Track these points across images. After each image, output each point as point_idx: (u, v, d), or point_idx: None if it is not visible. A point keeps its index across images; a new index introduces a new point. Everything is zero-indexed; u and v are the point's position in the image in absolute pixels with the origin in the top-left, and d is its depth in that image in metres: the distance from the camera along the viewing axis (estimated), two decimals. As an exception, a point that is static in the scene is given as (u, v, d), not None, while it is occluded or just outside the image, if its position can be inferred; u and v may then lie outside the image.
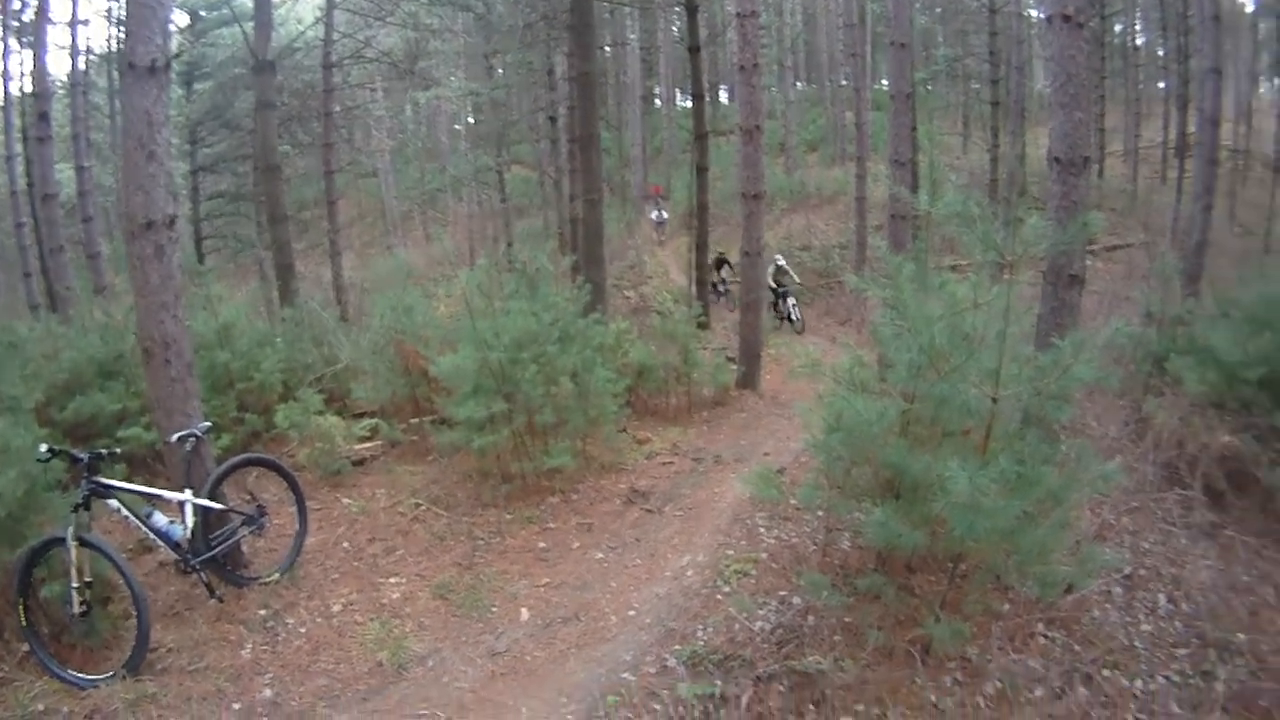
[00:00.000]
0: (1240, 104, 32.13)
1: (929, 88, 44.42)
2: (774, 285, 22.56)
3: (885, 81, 35.41)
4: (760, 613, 5.97)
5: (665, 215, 33.76)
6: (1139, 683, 5.06)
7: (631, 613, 6.49)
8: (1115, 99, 37.86)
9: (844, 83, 42.30)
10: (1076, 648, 5.31)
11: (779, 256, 23.92)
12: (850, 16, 33.44)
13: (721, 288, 24.80)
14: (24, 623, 5.52)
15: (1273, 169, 26.49)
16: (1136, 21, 43.26)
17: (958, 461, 4.31)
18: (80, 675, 5.46)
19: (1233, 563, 6.25)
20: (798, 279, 23.65)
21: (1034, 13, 34.45)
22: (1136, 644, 5.42)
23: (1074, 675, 5.10)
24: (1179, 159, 28.45)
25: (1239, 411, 7.74)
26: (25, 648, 5.61)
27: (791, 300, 22.68)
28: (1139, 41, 43.61)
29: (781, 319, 22.70)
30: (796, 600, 6.03)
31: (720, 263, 24.54)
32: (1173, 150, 30.98)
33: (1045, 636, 5.44)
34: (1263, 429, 7.35)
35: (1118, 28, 40.58)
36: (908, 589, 5.56)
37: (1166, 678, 5.12)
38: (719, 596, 6.41)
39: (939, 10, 46.34)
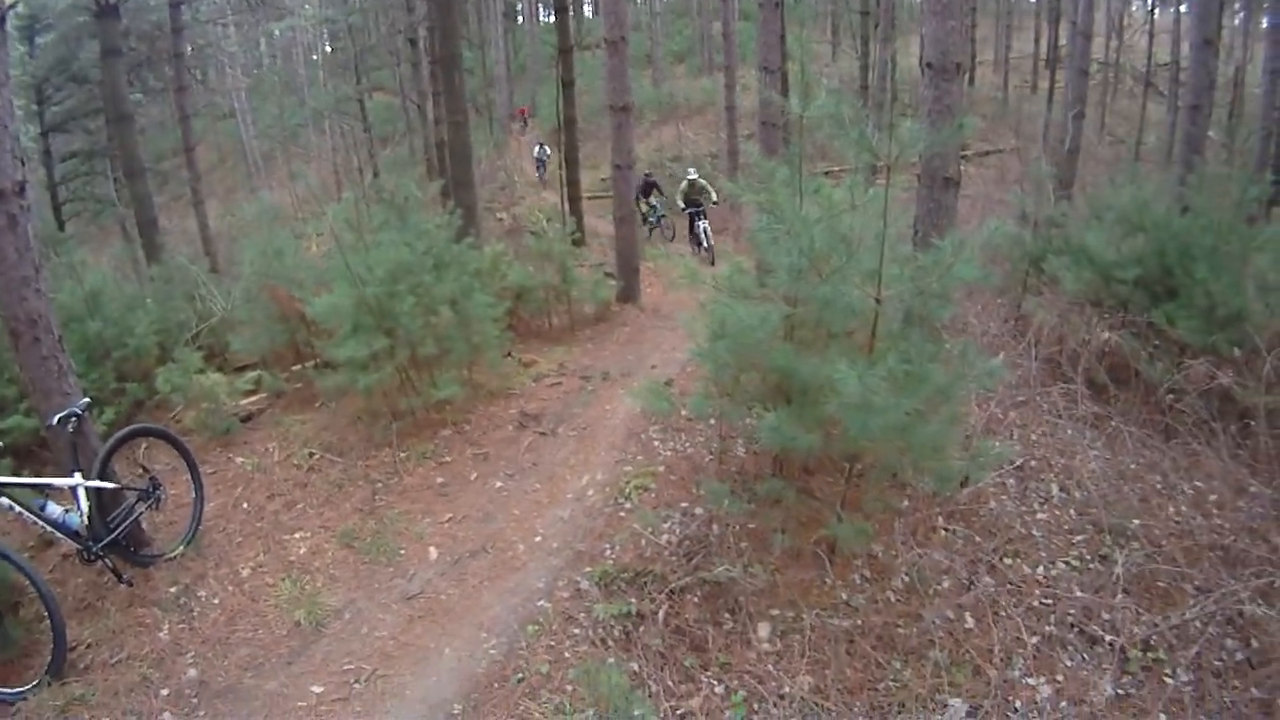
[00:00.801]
0: (1112, 20, 32.72)
1: None
2: (684, 204, 20.38)
3: (753, -11, 35.38)
4: (665, 526, 6.09)
5: (549, 153, 31.30)
6: (1040, 569, 5.32)
7: (538, 539, 6.56)
8: (986, 11, 38.88)
9: (709, -8, 42.15)
10: (977, 539, 5.53)
11: (692, 170, 21.57)
12: None
13: (653, 217, 22.89)
14: None
15: (1143, 83, 27.13)
16: None
17: (846, 362, 4.40)
18: (4, 690, 5.25)
19: (1120, 452, 6.59)
20: (715, 197, 19.91)
21: None
22: (1035, 533, 5.67)
23: (978, 565, 5.30)
24: (1050, 70, 29.54)
25: (1116, 309, 8.16)
26: None
27: (704, 223, 19.81)
28: None
29: (698, 247, 19.85)
30: (699, 510, 6.15)
31: (649, 187, 22.92)
32: (1044, 62, 32.05)
33: (946, 530, 5.66)
34: (1140, 326, 7.73)
35: None
36: (808, 491, 5.71)
37: (1067, 563, 5.40)
38: (622, 514, 6.52)
39: None
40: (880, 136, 4.50)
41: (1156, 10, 36.15)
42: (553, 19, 26.46)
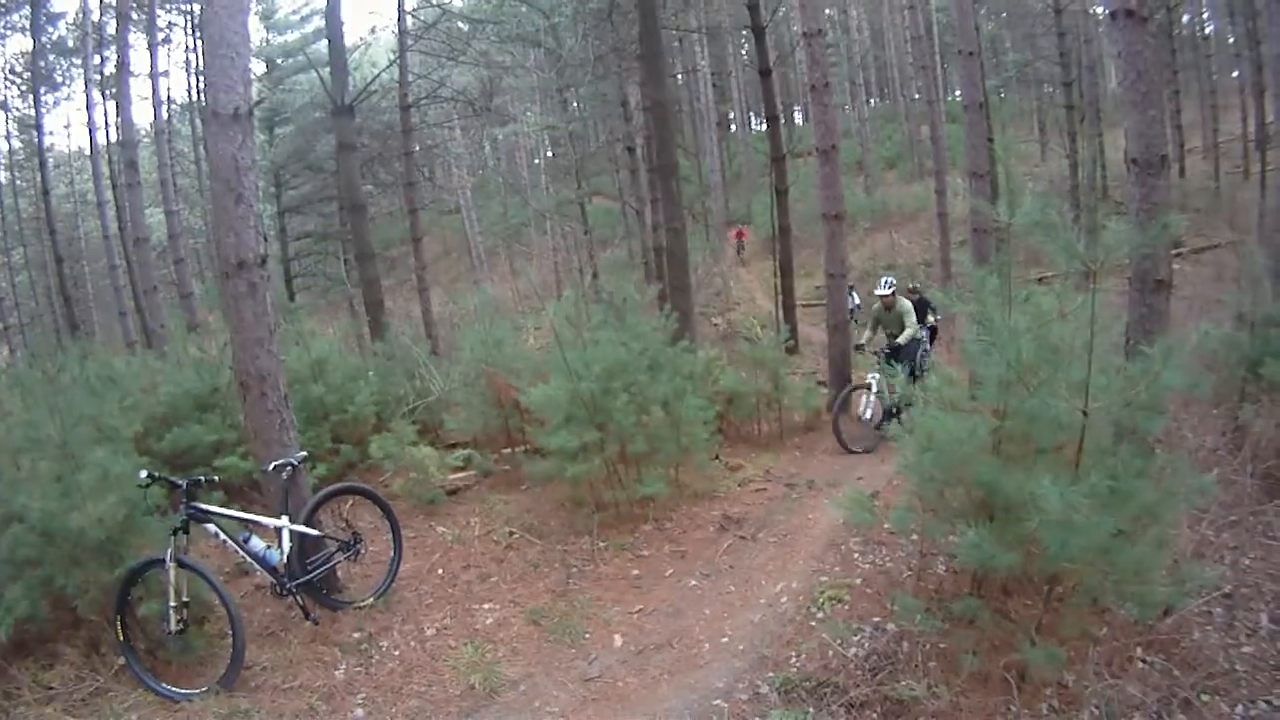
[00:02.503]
0: None
1: (1001, 95, 43.98)
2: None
3: (958, 92, 35.05)
4: (854, 639, 5.90)
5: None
6: (1240, 708, 4.92)
7: (725, 639, 6.44)
8: (1190, 93, 36.80)
9: (916, 96, 42.09)
10: (1176, 672, 5.16)
11: (887, 279, 14.04)
12: (917, 28, 33.17)
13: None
14: (121, 638, 5.79)
15: None
16: (1203, 9, 41.78)
17: (1049, 478, 4.23)
18: (174, 689, 5.70)
19: None
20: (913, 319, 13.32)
21: (1099, 9, 32.87)
22: (1238, 667, 5.25)
23: (1172, 701, 4.98)
24: (1260, 151, 27.51)
25: None
26: (121, 661, 5.88)
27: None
28: (1208, 30, 41.99)
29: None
30: (891, 626, 5.96)
31: (923, 306, 15.00)
32: (1253, 143, 29.72)
33: (1143, 661, 5.30)
34: None
35: (1185, 18, 39.27)
36: (1003, 613, 5.47)
37: (1268, 702, 4.97)
38: (813, 623, 6.35)
39: (1004, 15, 45.60)
40: (1087, 241, 4.39)
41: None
42: (765, 127, 26.67)
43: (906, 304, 12.89)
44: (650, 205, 23.60)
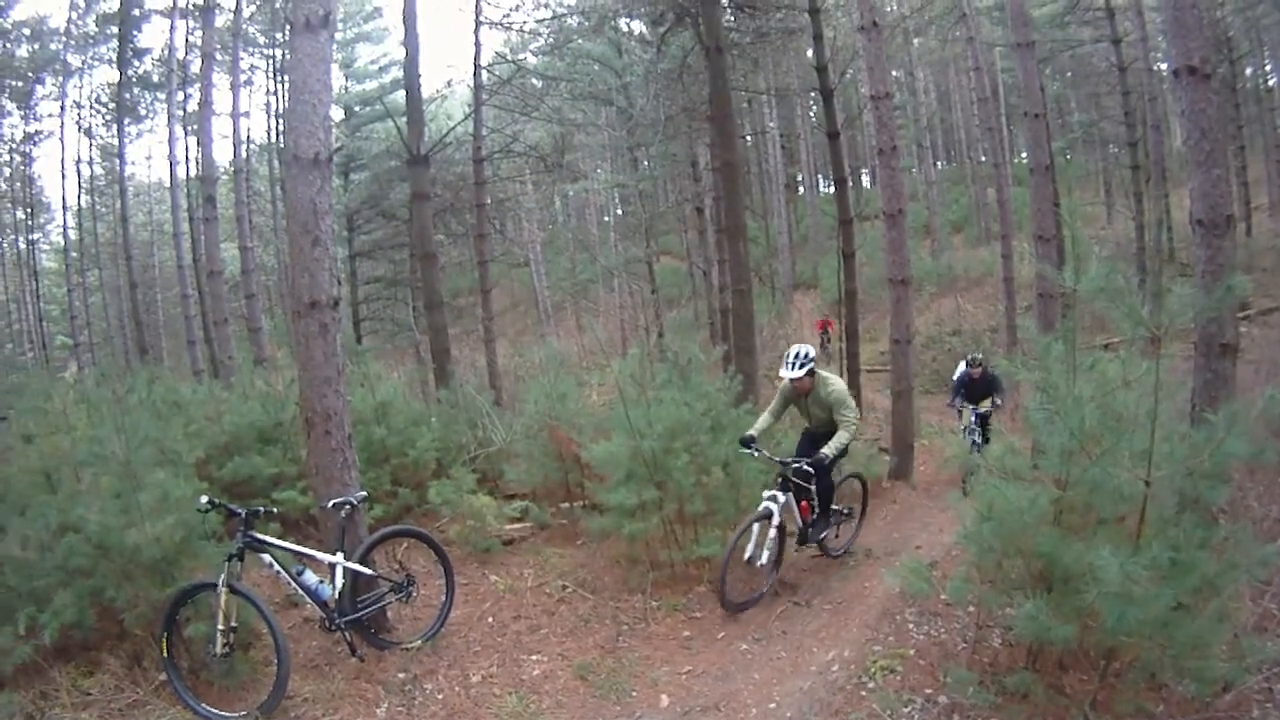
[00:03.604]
0: None
1: (1068, 156, 43.44)
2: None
3: (1024, 154, 34.79)
4: (905, 710, 5.81)
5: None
6: (1296, 792, 4.80)
7: (773, 705, 6.36)
8: (1255, 149, 36.02)
9: (983, 159, 41.84)
10: (1234, 750, 5.05)
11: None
12: (983, 90, 32.77)
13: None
14: (165, 654, 5.88)
15: None
16: (1266, 62, 40.63)
17: (1109, 549, 4.17)
18: (214, 710, 5.79)
19: None
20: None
21: (1163, 66, 32.70)
22: (1293, 745, 5.13)
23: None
24: None
25: None
26: (163, 677, 5.98)
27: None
28: (1271, 82, 40.60)
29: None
30: (943, 699, 5.86)
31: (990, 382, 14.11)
32: None
33: (1200, 739, 5.19)
34: None
35: (1248, 70, 38.56)
36: (1058, 688, 5.36)
37: (1323, 783, 4.84)
38: (863, 693, 6.24)
39: (1069, 75, 45.19)
40: (1152, 305, 4.34)
41: None
42: (832, 190, 26.68)
43: (837, 388, 8.87)
44: (717, 266, 23.75)
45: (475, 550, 9.05)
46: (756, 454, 8.59)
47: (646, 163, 34.51)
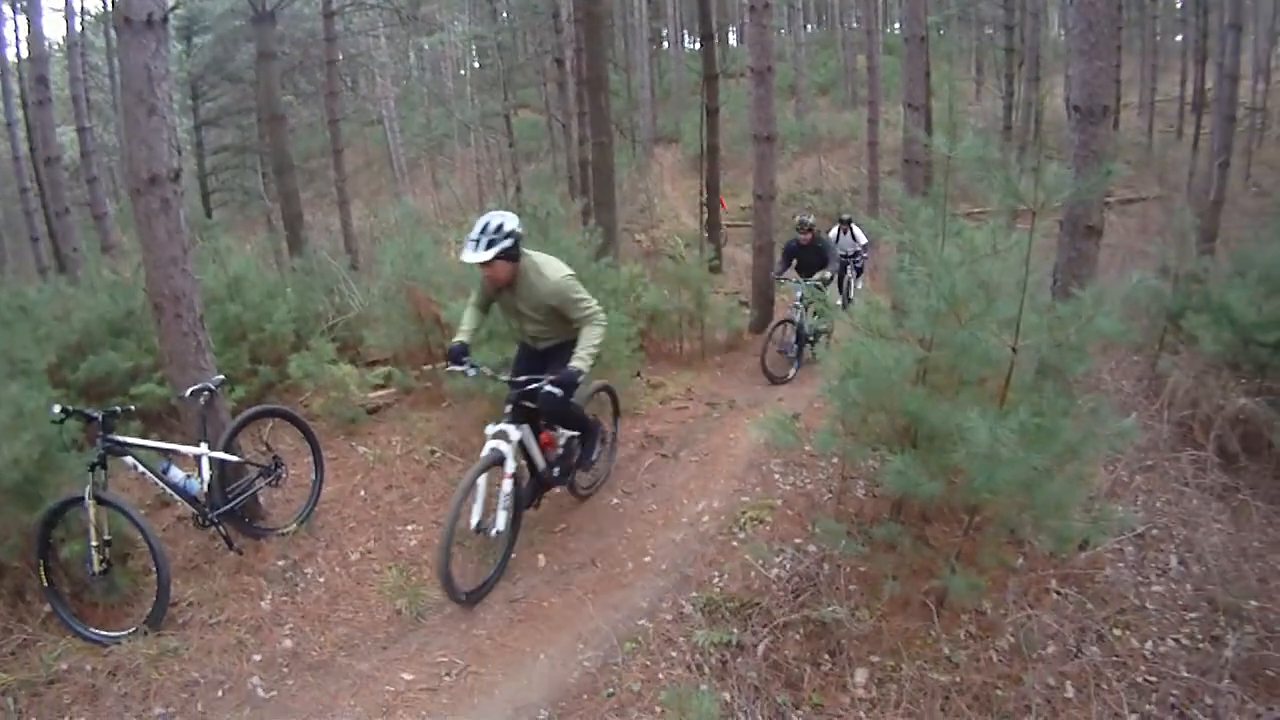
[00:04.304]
0: (1259, 61, 31.37)
1: (941, 32, 43.97)
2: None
3: (897, 25, 34.99)
4: (776, 560, 6.00)
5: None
6: (1149, 644, 5.08)
7: (648, 559, 6.53)
8: (1131, 50, 37.08)
9: (855, 25, 41.99)
10: (1089, 606, 5.32)
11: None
12: None
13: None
14: (45, 583, 5.59)
15: None
16: None
17: (977, 412, 4.29)
18: (102, 633, 5.54)
19: (1245, 528, 6.24)
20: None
21: None
22: (1148, 605, 5.44)
23: (1086, 634, 5.12)
24: (1196, 115, 28.29)
25: (1254, 373, 7.72)
26: (47, 608, 5.68)
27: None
28: None
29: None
30: (812, 548, 6.06)
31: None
32: (1189, 106, 30.69)
33: (1058, 593, 5.46)
34: (1277, 393, 7.33)
35: None
36: (923, 540, 5.57)
37: (1176, 640, 5.14)
38: (734, 543, 6.45)
39: None
40: (1027, 180, 4.39)
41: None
42: (698, 46, 26.39)
43: (556, 278, 6.65)
44: (577, 119, 23.28)
45: (341, 422, 8.88)
46: (472, 371, 6.70)
47: (506, 13, 33.67)
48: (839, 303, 13.82)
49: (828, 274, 12.65)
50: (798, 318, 11.60)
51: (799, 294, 12.28)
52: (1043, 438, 4.39)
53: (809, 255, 12.97)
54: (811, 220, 13.12)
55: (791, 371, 11.69)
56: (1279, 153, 27.37)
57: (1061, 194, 4.31)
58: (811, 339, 12.17)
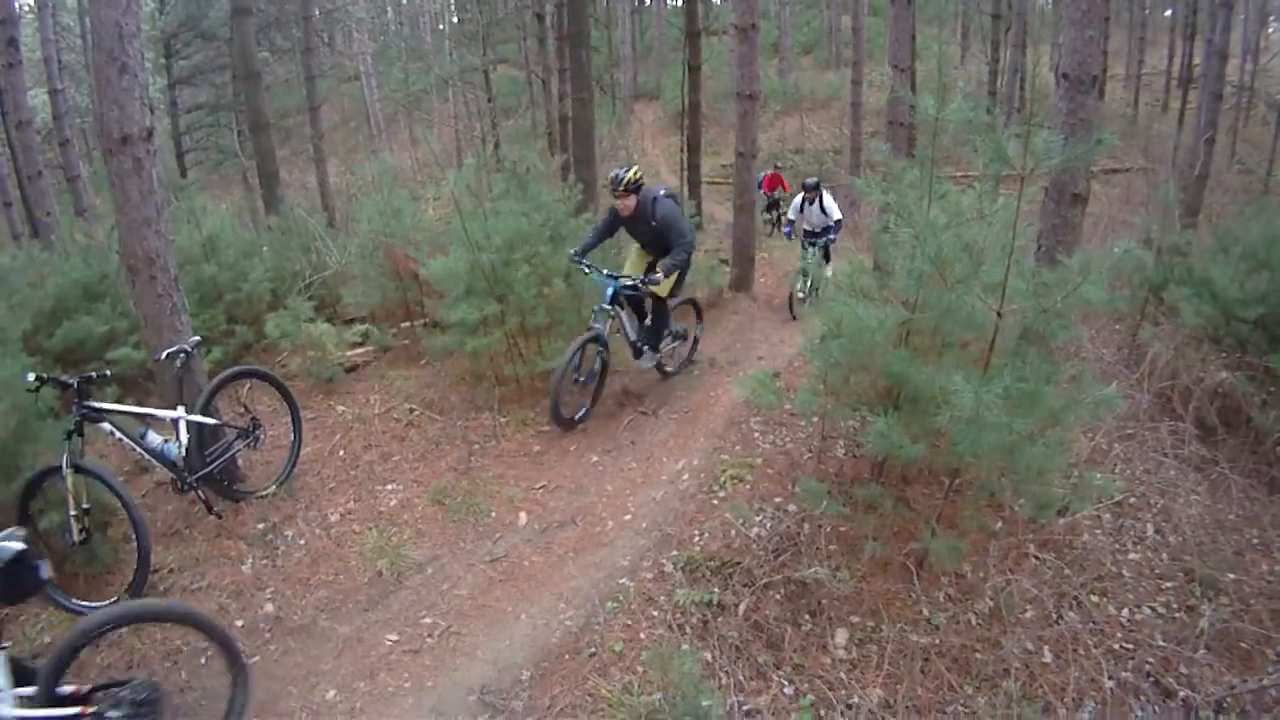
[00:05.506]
0: (1248, 40, 31.44)
1: None
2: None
3: (884, -15, 34.80)
4: (757, 519, 6.01)
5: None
6: (1126, 612, 5.14)
7: (628, 517, 6.54)
8: (1120, 22, 37.09)
9: (840, -15, 41.75)
10: (1067, 571, 5.37)
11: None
12: None
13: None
14: None
15: (1276, 110, 26.10)
16: None
17: (962, 375, 4.29)
18: (85, 603, 5.48)
19: (1221, 500, 6.32)
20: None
21: None
22: (1124, 573, 5.49)
23: (1065, 599, 5.16)
24: (1182, 89, 28.54)
25: (1234, 348, 7.76)
26: None
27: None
28: None
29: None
30: (792, 508, 6.07)
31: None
32: (1176, 80, 30.91)
33: (1037, 558, 5.51)
34: (1256, 369, 7.34)
35: None
36: (904, 501, 5.59)
37: (1152, 609, 5.21)
38: (715, 502, 6.44)
39: None
40: (1016, 145, 4.35)
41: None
42: (681, 2, 26.19)
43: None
44: (558, 75, 23.05)
45: (319, 381, 8.86)
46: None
47: (485, -34, 33.31)
48: (801, 296, 13.14)
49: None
50: (603, 330, 8.67)
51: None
52: (1026, 403, 4.40)
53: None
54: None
55: (589, 404, 8.83)
56: (1265, 132, 27.41)
57: (1051, 160, 4.27)
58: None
